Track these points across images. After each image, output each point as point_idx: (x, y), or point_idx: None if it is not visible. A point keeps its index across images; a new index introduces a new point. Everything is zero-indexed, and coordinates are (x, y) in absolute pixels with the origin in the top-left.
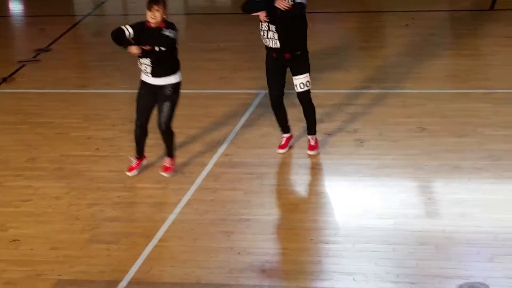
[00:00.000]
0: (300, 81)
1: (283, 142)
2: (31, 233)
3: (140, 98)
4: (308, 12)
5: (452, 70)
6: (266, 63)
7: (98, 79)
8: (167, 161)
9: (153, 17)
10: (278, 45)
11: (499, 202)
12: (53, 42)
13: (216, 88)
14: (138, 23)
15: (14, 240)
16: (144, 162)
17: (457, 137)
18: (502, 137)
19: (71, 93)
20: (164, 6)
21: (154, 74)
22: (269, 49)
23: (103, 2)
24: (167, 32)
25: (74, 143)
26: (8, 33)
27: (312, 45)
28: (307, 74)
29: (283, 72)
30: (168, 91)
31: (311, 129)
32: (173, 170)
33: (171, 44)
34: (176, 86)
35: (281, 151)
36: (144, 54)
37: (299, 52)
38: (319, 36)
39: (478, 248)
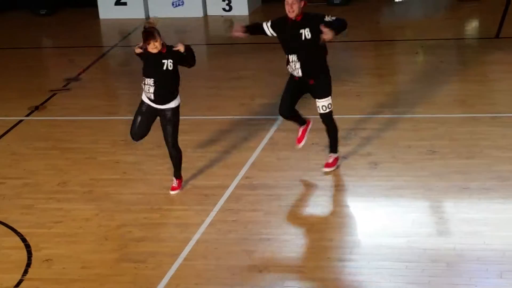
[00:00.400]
0: (322, 104)
1: (299, 135)
2: (63, 253)
3: (139, 114)
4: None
5: (460, 95)
6: (287, 82)
7: (125, 107)
8: (175, 182)
9: (154, 47)
10: (300, 73)
11: (507, 221)
12: (82, 72)
13: (237, 114)
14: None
15: (47, 260)
16: None
17: (466, 159)
18: (509, 159)
19: (99, 120)
20: (159, 34)
21: (156, 101)
22: (292, 75)
23: (129, 34)
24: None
25: (103, 167)
26: (40, 63)
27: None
28: (329, 97)
29: (298, 95)
30: (169, 114)
31: (332, 147)
32: (180, 189)
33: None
34: (175, 110)
35: (299, 146)
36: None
37: (322, 76)
38: (335, 64)
39: (488, 265)
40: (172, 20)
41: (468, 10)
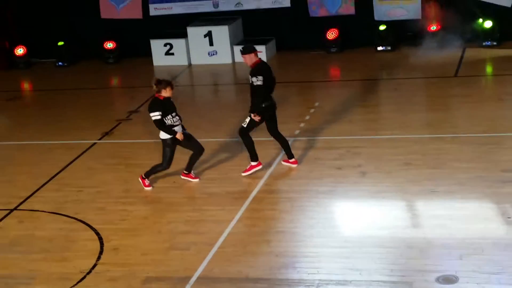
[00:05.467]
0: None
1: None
2: (127, 243)
3: None
4: (325, 81)
5: (429, 120)
6: None
7: None
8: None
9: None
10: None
11: (466, 216)
12: (140, 106)
13: (256, 137)
14: None
15: (114, 249)
16: None
17: (433, 169)
18: (466, 169)
19: (154, 142)
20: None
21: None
22: None
23: (176, 76)
24: None
25: (157, 178)
26: (109, 99)
27: (327, 104)
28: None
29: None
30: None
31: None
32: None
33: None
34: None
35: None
36: None
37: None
38: (333, 98)
39: (450, 250)
40: (208, 66)
41: (434, 55)
